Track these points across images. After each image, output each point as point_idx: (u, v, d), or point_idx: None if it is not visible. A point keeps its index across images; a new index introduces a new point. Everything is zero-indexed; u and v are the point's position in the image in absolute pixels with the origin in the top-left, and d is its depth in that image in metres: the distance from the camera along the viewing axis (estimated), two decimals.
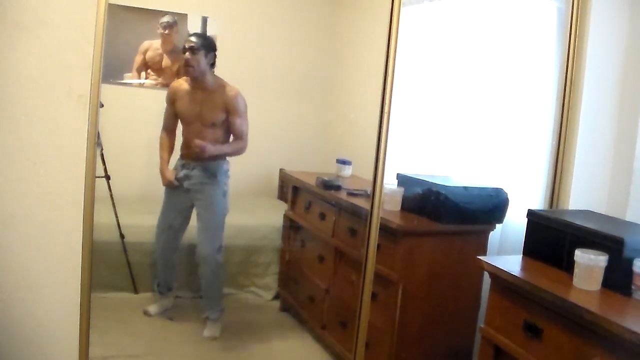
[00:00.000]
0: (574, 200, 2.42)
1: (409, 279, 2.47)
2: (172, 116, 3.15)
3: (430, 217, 2.53)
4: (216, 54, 3.05)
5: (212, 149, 2.99)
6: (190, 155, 3.09)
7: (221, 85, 3.06)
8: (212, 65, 3.05)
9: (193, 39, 2.98)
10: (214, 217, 3.14)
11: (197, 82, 3.04)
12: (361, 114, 3.90)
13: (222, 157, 3.12)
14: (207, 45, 2.99)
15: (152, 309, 3.25)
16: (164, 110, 3.19)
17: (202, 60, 2.97)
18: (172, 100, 3.13)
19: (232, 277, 3.59)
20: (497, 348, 1.92)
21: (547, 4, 2.61)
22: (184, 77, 3.13)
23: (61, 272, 1.91)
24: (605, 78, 2.39)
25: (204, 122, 3.04)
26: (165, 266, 3.27)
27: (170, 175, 3.13)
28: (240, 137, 3.08)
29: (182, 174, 3.12)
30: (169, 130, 3.18)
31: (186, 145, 3.12)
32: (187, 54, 2.96)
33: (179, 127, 3.17)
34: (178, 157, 3.19)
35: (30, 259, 1.88)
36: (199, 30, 4.00)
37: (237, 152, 3.11)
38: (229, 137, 3.13)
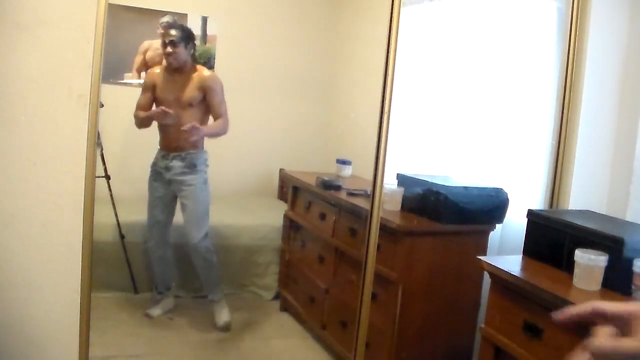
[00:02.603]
0: (574, 200, 2.42)
1: (409, 279, 2.47)
2: (149, 101, 3.16)
3: (430, 217, 2.53)
4: (195, 42, 3.12)
5: (201, 128, 2.99)
6: (169, 146, 3.13)
7: (196, 68, 3.13)
8: (192, 54, 3.12)
9: (172, 32, 3.03)
10: (197, 205, 3.17)
11: (176, 70, 3.09)
12: (361, 114, 3.89)
13: (201, 146, 3.15)
14: (187, 36, 3.06)
15: (154, 311, 3.25)
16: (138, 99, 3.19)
17: (182, 51, 3.03)
18: (151, 87, 3.16)
19: (232, 277, 3.59)
20: (497, 348, 1.92)
21: (547, 4, 2.61)
22: (162, 64, 3.16)
23: (61, 272, 1.91)
24: (605, 78, 2.39)
25: (181, 104, 3.07)
26: (160, 263, 3.28)
27: (154, 111, 3.10)
28: (220, 116, 3.11)
29: (162, 164, 3.16)
30: (143, 110, 3.19)
31: (164, 135, 3.14)
32: (168, 47, 3.01)
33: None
34: (157, 150, 3.20)
35: (30, 259, 1.88)
36: (199, 30, 4.00)
37: (221, 131, 3.13)
38: (207, 120, 3.16)
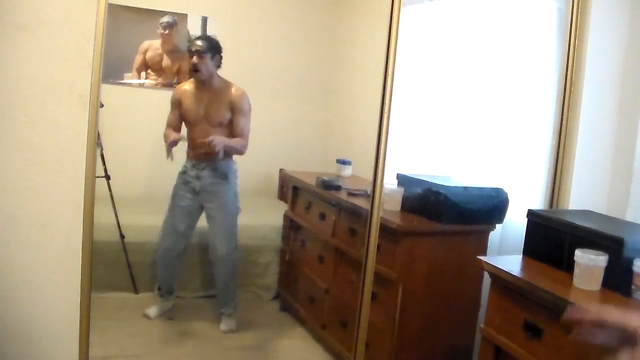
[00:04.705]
0: (574, 200, 2.42)
1: (409, 279, 2.47)
2: (177, 118, 3.14)
3: (430, 217, 2.53)
4: (222, 55, 3.05)
5: (219, 139, 2.92)
6: (199, 157, 3.09)
7: (227, 85, 3.08)
8: (218, 66, 3.07)
9: (199, 42, 2.99)
10: (227, 218, 3.16)
11: (203, 84, 3.05)
12: (361, 114, 3.90)
13: (230, 156, 3.13)
14: (213, 47, 3.01)
15: (152, 311, 3.24)
16: (167, 113, 3.18)
17: (209, 63, 2.98)
18: (178, 103, 3.13)
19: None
20: (497, 348, 1.92)
21: (547, 4, 2.61)
22: (190, 80, 3.14)
23: (61, 272, 1.91)
24: (605, 78, 2.39)
25: (211, 122, 3.04)
26: (167, 269, 3.25)
27: (176, 136, 3.03)
28: (242, 136, 3.07)
29: (192, 174, 3.12)
30: (173, 128, 3.16)
31: (194, 147, 3.10)
32: (194, 57, 2.96)
33: (184, 129, 3.17)
34: (186, 159, 3.18)
35: (30, 259, 1.88)
36: (198, 30, 4.00)
37: (240, 150, 3.08)
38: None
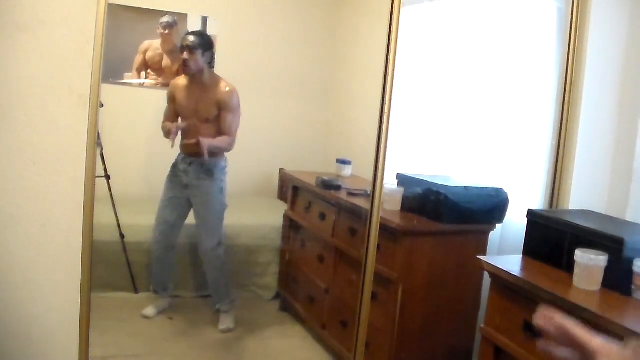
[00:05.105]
0: (574, 200, 2.42)
1: (409, 279, 2.47)
2: (173, 113, 3.17)
3: (430, 217, 2.53)
4: (214, 51, 3.05)
5: (205, 142, 2.94)
6: (188, 151, 3.11)
7: (217, 81, 3.09)
8: (210, 63, 3.07)
9: (191, 37, 3.00)
10: (210, 213, 3.16)
11: (195, 79, 3.07)
12: (361, 114, 3.89)
13: (219, 153, 3.14)
14: (205, 43, 3.02)
15: (149, 311, 3.24)
16: (164, 109, 3.20)
17: (199, 59, 3.00)
18: (172, 97, 3.17)
19: (232, 277, 3.59)
20: (497, 348, 1.92)
21: (547, 4, 2.61)
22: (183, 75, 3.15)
23: (61, 272, 1.91)
24: (605, 78, 2.39)
25: (199, 118, 3.07)
26: (159, 263, 3.26)
27: (172, 125, 3.07)
28: (229, 133, 3.08)
29: (181, 167, 3.15)
30: (170, 121, 3.18)
31: (184, 138, 3.12)
32: (185, 53, 2.98)
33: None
34: (179, 151, 3.18)
35: (30, 259, 1.88)
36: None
37: (226, 148, 3.11)
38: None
